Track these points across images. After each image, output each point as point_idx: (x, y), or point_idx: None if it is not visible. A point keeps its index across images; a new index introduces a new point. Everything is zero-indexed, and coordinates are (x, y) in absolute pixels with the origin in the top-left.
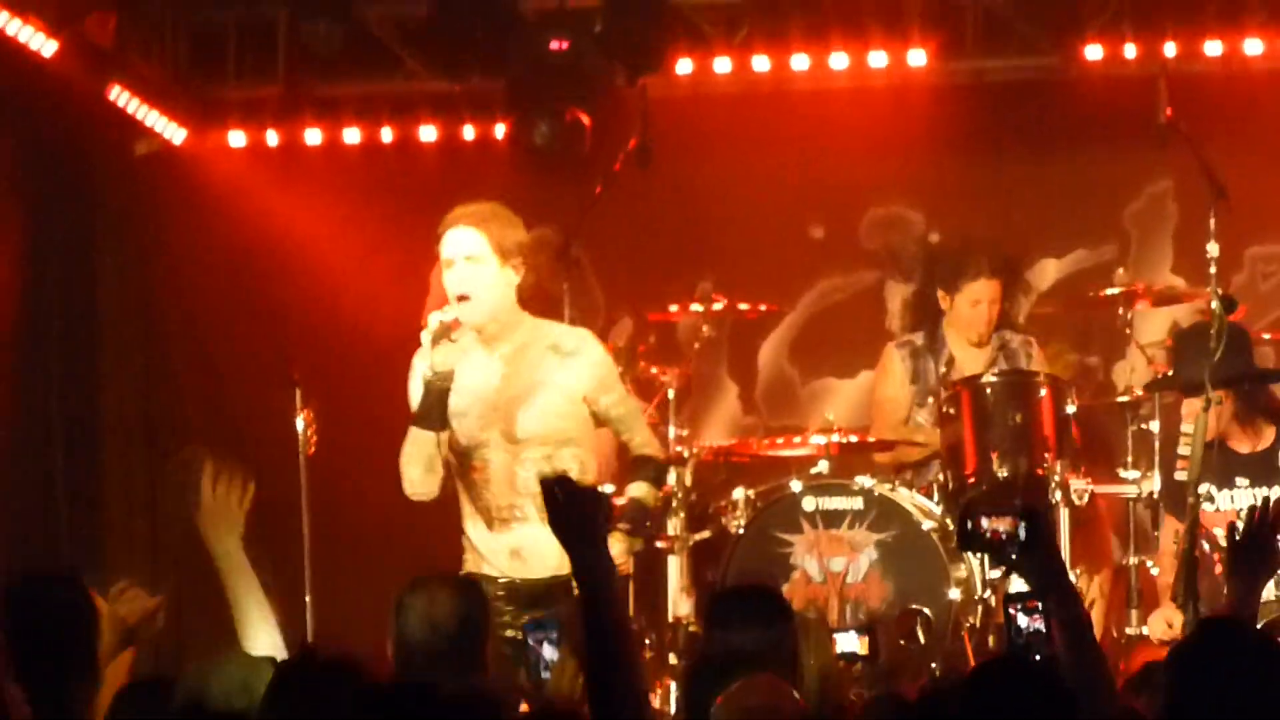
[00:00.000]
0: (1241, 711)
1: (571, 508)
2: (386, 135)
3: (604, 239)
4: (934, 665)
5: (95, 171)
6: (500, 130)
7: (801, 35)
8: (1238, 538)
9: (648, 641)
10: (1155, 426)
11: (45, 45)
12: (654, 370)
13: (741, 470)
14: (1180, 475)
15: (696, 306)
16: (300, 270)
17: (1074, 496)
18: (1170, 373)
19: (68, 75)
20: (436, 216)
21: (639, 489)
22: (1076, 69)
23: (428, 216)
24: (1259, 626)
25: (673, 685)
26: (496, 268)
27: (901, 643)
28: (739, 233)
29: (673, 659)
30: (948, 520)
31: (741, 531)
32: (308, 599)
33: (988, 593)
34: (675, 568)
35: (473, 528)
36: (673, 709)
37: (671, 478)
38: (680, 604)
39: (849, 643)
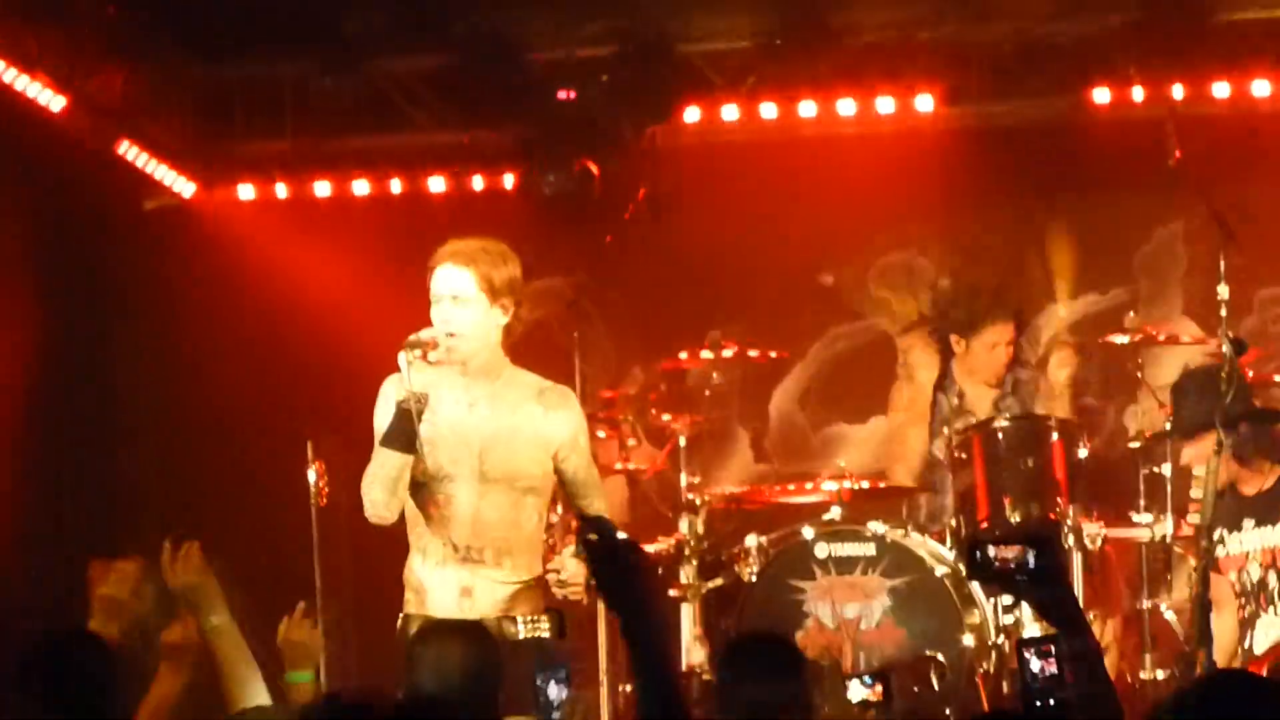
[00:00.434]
0: None
1: (614, 563)
2: (395, 187)
3: (614, 287)
4: (948, 711)
5: (104, 226)
6: (509, 180)
7: (809, 82)
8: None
9: None
10: (1168, 470)
11: (54, 100)
12: (665, 418)
13: (753, 517)
14: (1193, 518)
15: (707, 354)
16: (310, 321)
17: (1087, 541)
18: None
19: (77, 131)
20: None
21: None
22: (1084, 113)
23: None
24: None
25: None
26: (485, 307)
27: (915, 689)
28: (749, 280)
29: None
30: (960, 566)
31: (754, 579)
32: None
33: (1001, 638)
34: (688, 616)
35: (420, 564)
36: None
37: (684, 525)
38: (694, 652)
39: (862, 690)
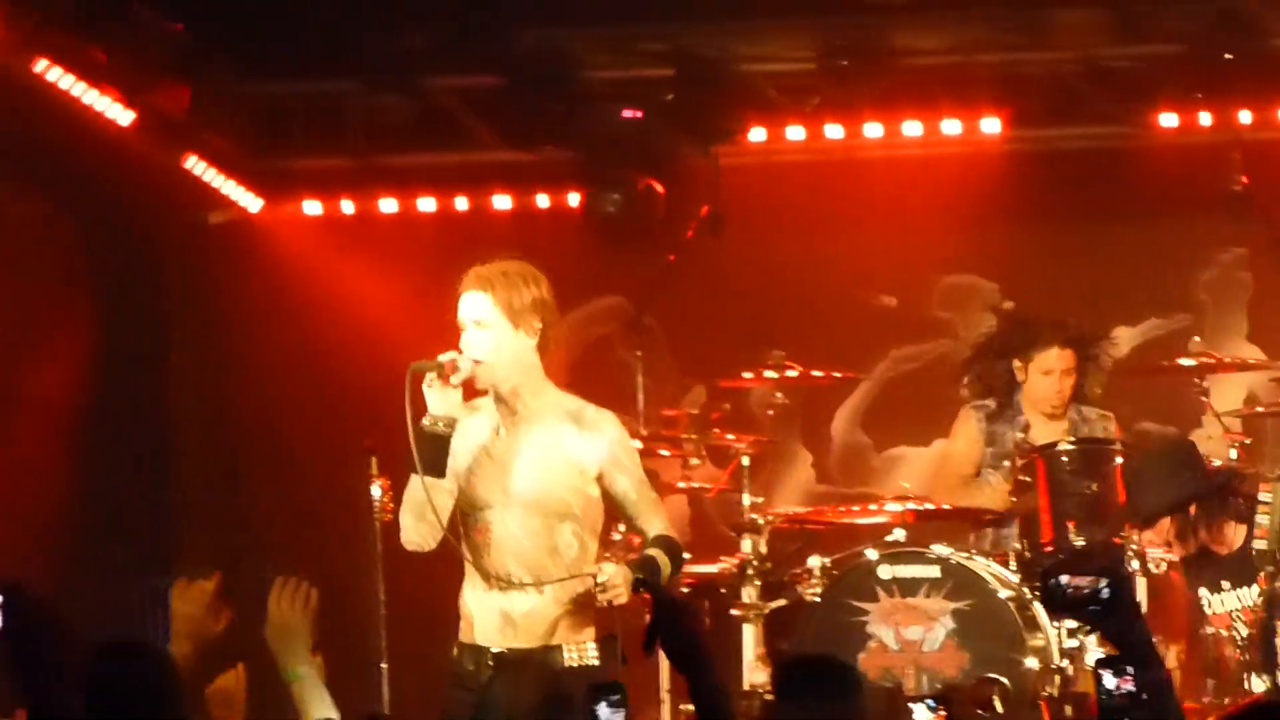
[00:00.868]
0: None
1: (675, 625)
2: (461, 204)
3: (677, 307)
4: None
5: (170, 239)
6: (574, 199)
7: (873, 103)
8: None
9: None
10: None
11: (121, 115)
12: (728, 438)
13: (816, 538)
14: (1259, 544)
15: (770, 374)
16: (373, 338)
17: (1151, 565)
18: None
19: (143, 145)
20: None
21: (655, 550)
22: (1149, 137)
23: None
24: None
25: None
26: (509, 330)
27: (978, 712)
28: (811, 300)
29: None
30: (1024, 589)
31: (817, 600)
32: (384, 665)
33: (1065, 661)
34: (750, 636)
35: (470, 591)
36: None
37: (746, 545)
38: (755, 673)
39: (927, 713)
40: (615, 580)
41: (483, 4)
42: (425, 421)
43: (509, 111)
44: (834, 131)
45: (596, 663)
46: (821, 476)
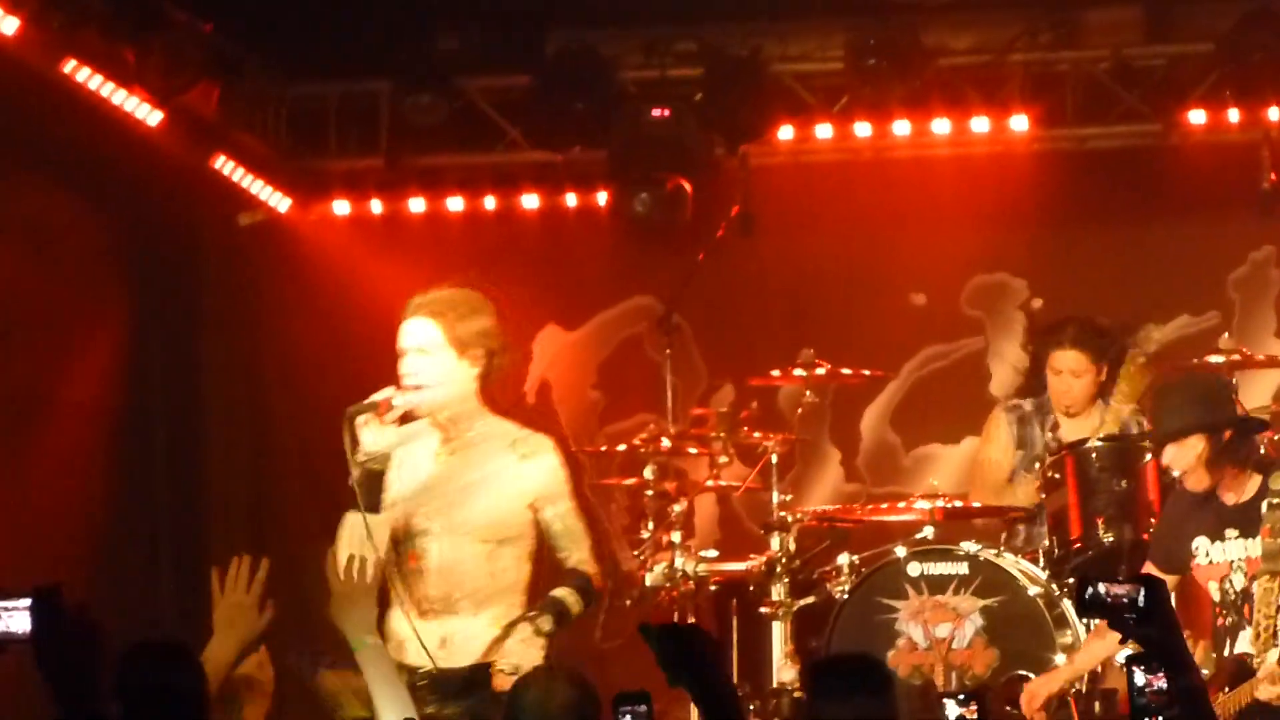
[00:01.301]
0: None
1: (678, 648)
2: (489, 204)
3: (706, 306)
4: None
5: (200, 240)
6: (602, 199)
7: (902, 102)
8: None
9: (752, 709)
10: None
11: (151, 115)
12: (756, 436)
13: (845, 536)
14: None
15: (799, 372)
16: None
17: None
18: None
19: (172, 145)
20: (540, 285)
21: (563, 591)
22: (1179, 135)
23: (531, 285)
24: None
25: None
26: (453, 359)
27: (1008, 709)
28: (841, 299)
29: None
30: (1053, 586)
31: (846, 597)
32: None
33: None
34: (779, 634)
35: (398, 620)
36: None
37: (775, 543)
38: (784, 670)
39: (958, 708)
40: (516, 663)
41: (513, 5)
42: (360, 458)
43: (539, 112)
44: (863, 130)
45: None
46: (850, 475)
